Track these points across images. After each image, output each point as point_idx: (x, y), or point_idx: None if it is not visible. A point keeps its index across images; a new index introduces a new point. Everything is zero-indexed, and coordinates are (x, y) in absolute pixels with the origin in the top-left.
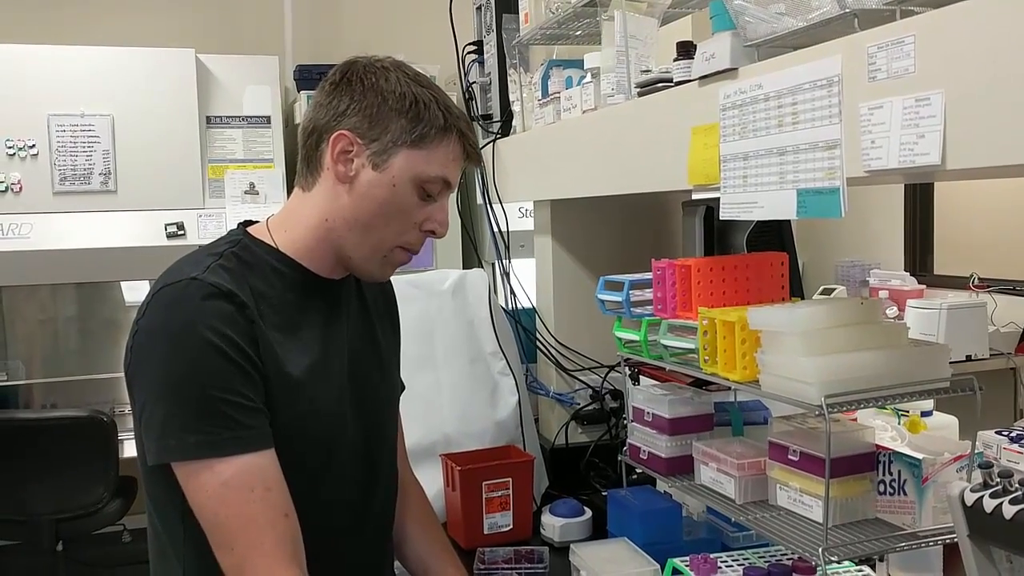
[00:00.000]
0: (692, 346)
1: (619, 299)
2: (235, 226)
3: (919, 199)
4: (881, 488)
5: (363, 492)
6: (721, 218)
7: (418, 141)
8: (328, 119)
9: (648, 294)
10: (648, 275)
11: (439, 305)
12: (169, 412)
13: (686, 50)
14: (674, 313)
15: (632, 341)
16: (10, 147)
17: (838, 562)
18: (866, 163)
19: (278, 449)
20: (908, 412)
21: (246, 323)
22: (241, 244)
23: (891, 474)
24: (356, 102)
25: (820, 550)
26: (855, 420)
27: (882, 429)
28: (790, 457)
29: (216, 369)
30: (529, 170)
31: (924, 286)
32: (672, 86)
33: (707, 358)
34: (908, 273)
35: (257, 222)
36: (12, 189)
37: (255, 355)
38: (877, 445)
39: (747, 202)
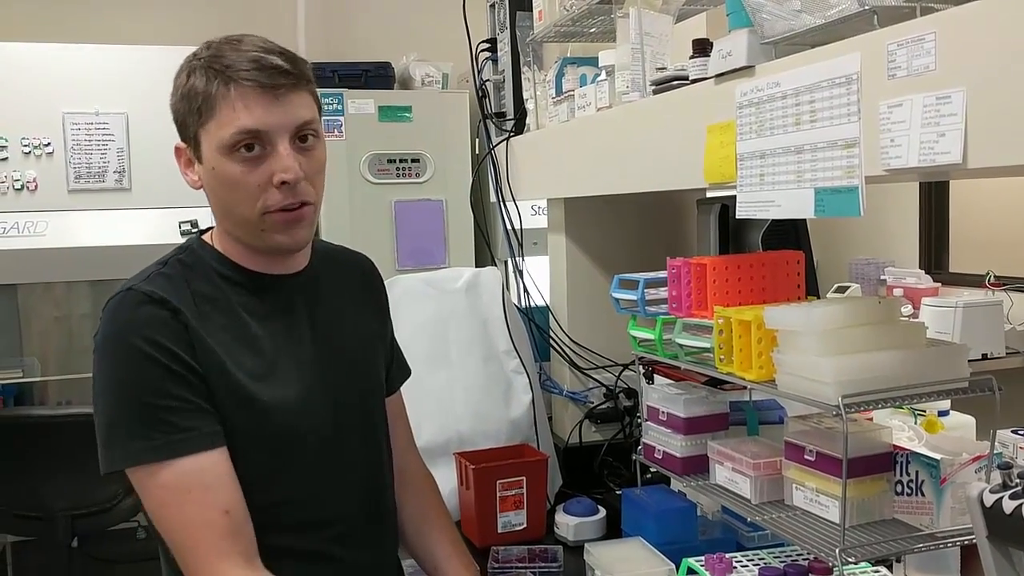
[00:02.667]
0: (707, 345)
1: (634, 298)
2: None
3: (934, 196)
4: (898, 489)
5: (338, 486)
6: (738, 217)
7: (202, 118)
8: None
9: (663, 293)
10: (663, 274)
11: (453, 303)
12: (111, 420)
13: (702, 48)
14: (689, 312)
15: (647, 340)
16: (26, 145)
17: (855, 563)
18: (885, 162)
19: (231, 448)
20: (925, 412)
21: (180, 327)
22: (189, 250)
23: (908, 475)
24: (172, 115)
25: (837, 551)
26: (871, 420)
27: (899, 429)
28: (806, 457)
29: (149, 376)
30: (543, 168)
31: (939, 284)
32: (688, 84)
33: (723, 357)
34: (923, 271)
35: (212, 228)
36: (28, 187)
37: (191, 359)
38: (894, 445)
39: (764, 201)
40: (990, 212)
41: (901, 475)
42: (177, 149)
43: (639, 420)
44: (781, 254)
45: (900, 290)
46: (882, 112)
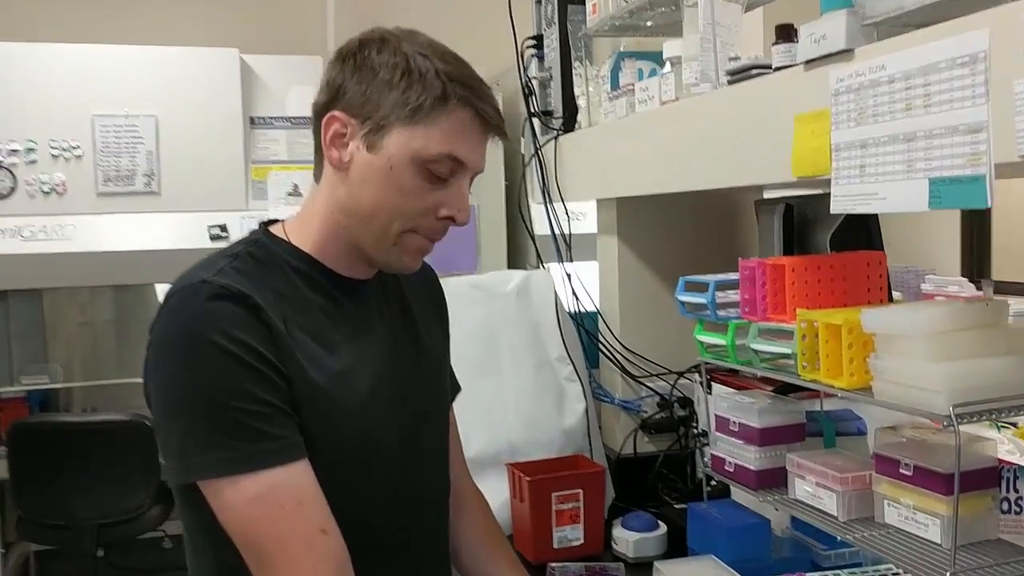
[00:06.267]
0: (787, 351)
1: (703, 301)
2: (256, 225)
3: None
4: (1004, 506)
5: (405, 506)
6: (833, 212)
7: (412, 115)
8: (323, 102)
9: (732, 295)
10: (732, 275)
11: (503, 307)
12: (186, 428)
13: (786, 33)
14: (764, 316)
15: (716, 345)
16: (54, 148)
17: None
18: (1021, 147)
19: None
20: (1016, 424)
21: (261, 326)
22: (259, 244)
23: (1016, 491)
24: (348, 79)
25: (948, 575)
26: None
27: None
28: (902, 471)
29: (231, 377)
30: (597, 167)
31: (982, 293)
32: (771, 72)
33: (806, 364)
34: (966, 279)
35: (280, 221)
36: (56, 190)
37: (274, 357)
38: (1000, 459)
39: (865, 194)
40: None
41: (1008, 492)
42: (333, 119)
43: (694, 430)
44: (862, 255)
45: (942, 299)
46: (1018, 92)
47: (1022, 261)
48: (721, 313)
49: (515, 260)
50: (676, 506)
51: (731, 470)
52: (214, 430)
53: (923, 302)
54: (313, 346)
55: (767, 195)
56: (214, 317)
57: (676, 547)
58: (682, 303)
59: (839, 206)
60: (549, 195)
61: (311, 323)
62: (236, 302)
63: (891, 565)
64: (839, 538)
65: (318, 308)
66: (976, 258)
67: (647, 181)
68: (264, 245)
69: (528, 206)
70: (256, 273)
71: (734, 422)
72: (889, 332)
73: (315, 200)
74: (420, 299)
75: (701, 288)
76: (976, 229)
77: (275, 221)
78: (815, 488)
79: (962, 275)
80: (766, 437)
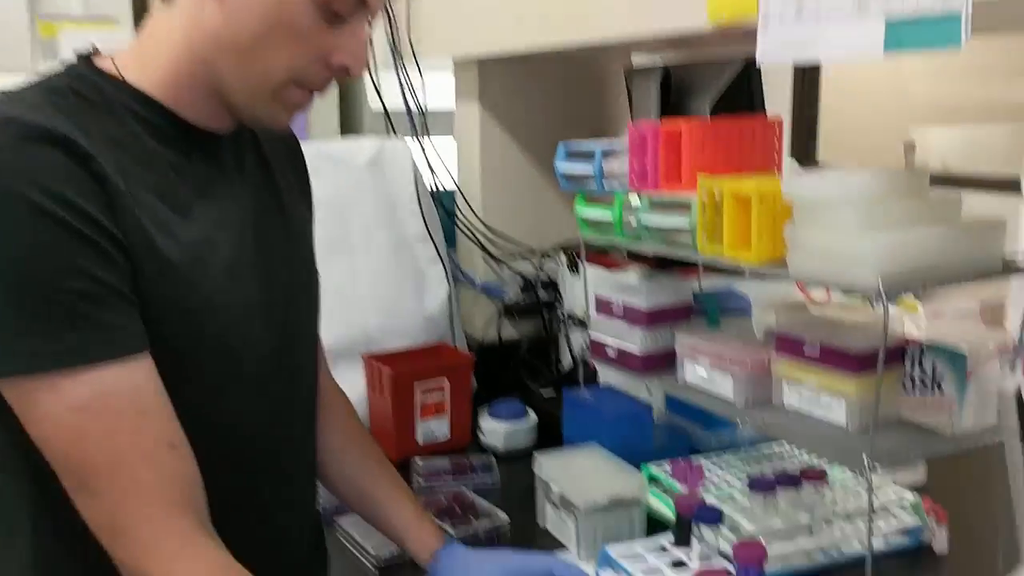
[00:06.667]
0: (685, 224)
1: (588, 171)
2: (72, 56)
3: (806, 83)
4: (909, 385)
5: (279, 408)
6: (762, 62)
7: None
8: None
9: (617, 165)
10: (617, 142)
11: (355, 180)
12: None
13: None
14: (656, 186)
15: (600, 221)
16: None
17: (875, 470)
18: None
19: (158, 359)
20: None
21: (93, 182)
22: (82, 78)
23: (922, 369)
24: None
25: (864, 456)
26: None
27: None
28: (806, 351)
29: (52, 246)
30: (459, 20)
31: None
32: None
33: (708, 237)
34: (794, 160)
35: (103, 54)
36: None
37: (110, 223)
38: (906, 337)
39: (802, 40)
40: (859, 102)
41: (912, 369)
42: None
43: (560, 314)
44: (760, 119)
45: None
46: None
47: (849, 147)
48: (606, 184)
49: (347, 130)
50: (543, 394)
51: (613, 355)
52: (26, 315)
53: (845, 169)
54: (163, 209)
55: (635, 59)
56: (28, 166)
57: (548, 437)
58: (563, 174)
59: (769, 55)
60: (400, 53)
61: (157, 180)
62: (59, 148)
63: (776, 444)
64: (737, 423)
65: (166, 162)
66: (803, 139)
67: (522, 34)
68: (90, 81)
69: (372, 68)
70: (82, 114)
71: (617, 303)
72: (815, 200)
73: (165, 25)
74: (280, 162)
75: (585, 156)
76: (804, 110)
77: (97, 53)
78: (710, 371)
79: (791, 156)
80: (653, 318)
